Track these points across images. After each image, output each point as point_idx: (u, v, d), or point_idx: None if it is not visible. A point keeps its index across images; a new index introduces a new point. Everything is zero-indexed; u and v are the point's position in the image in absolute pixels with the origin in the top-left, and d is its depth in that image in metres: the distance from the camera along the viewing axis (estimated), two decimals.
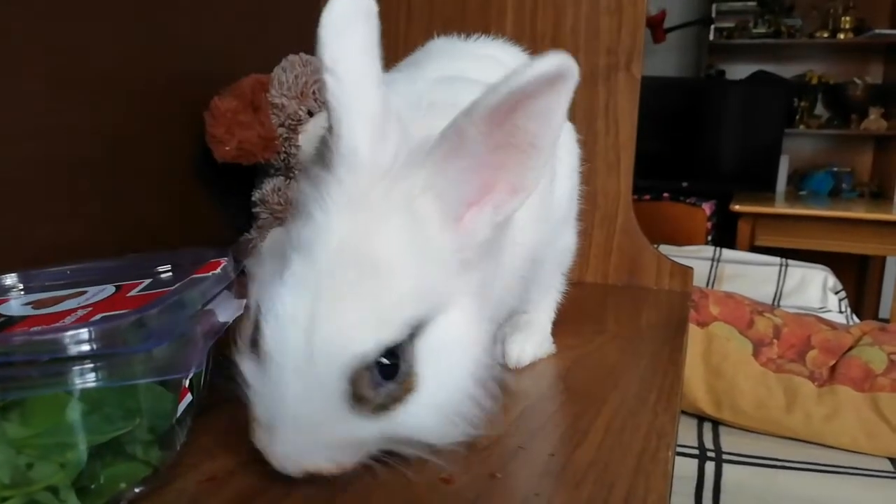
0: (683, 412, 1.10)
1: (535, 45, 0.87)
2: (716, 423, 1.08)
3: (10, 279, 0.39)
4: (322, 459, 0.31)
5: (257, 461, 0.36)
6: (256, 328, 0.31)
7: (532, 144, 0.31)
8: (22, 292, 0.39)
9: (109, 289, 0.37)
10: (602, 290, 0.86)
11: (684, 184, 3.42)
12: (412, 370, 0.31)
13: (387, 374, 0.31)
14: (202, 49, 0.79)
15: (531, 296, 0.54)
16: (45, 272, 0.41)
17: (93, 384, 0.25)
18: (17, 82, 0.56)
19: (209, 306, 0.33)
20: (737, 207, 2.89)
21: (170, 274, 0.39)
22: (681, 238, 2.74)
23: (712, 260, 2.03)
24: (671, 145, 3.57)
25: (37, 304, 0.36)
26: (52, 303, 0.36)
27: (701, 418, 1.09)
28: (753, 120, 3.33)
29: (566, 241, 0.59)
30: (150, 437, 0.30)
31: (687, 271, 0.86)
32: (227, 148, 0.74)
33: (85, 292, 0.37)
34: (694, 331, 1.06)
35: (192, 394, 0.36)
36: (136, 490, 0.30)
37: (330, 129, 0.32)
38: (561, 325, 0.64)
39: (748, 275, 1.91)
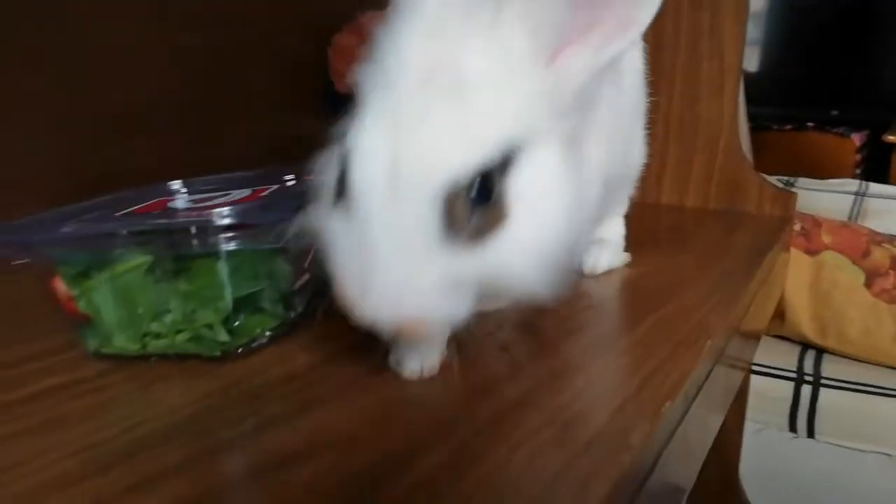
0: (787, 339, 1.10)
1: None
2: (820, 351, 1.07)
3: (177, 184, 0.50)
4: (420, 305, 0.29)
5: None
6: (341, 181, 0.30)
7: None
8: (186, 193, 0.50)
9: (247, 192, 0.47)
10: (700, 213, 0.88)
11: (834, 112, 3.15)
12: (505, 200, 0.29)
13: (482, 196, 0.28)
14: None
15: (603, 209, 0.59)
16: (202, 179, 0.52)
17: (232, 247, 0.35)
18: (134, 24, 0.67)
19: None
20: (891, 138, 2.64)
21: (293, 181, 0.49)
22: (825, 171, 2.55)
23: (856, 194, 1.90)
24: (820, 69, 3.28)
25: (196, 201, 0.47)
26: (206, 200, 0.47)
27: (805, 346, 1.08)
28: None
29: (633, 157, 0.62)
30: (276, 297, 0.40)
31: (790, 196, 0.86)
32: (348, 80, 0.83)
33: (229, 194, 0.47)
34: (802, 259, 1.05)
35: (310, 274, 0.46)
36: (267, 334, 0.40)
37: None
38: (646, 244, 0.68)
39: None
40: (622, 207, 0.64)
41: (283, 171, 0.52)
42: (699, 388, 0.43)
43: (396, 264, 0.28)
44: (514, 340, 0.44)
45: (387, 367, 0.38)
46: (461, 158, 0.28)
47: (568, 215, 0.31)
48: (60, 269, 0.37)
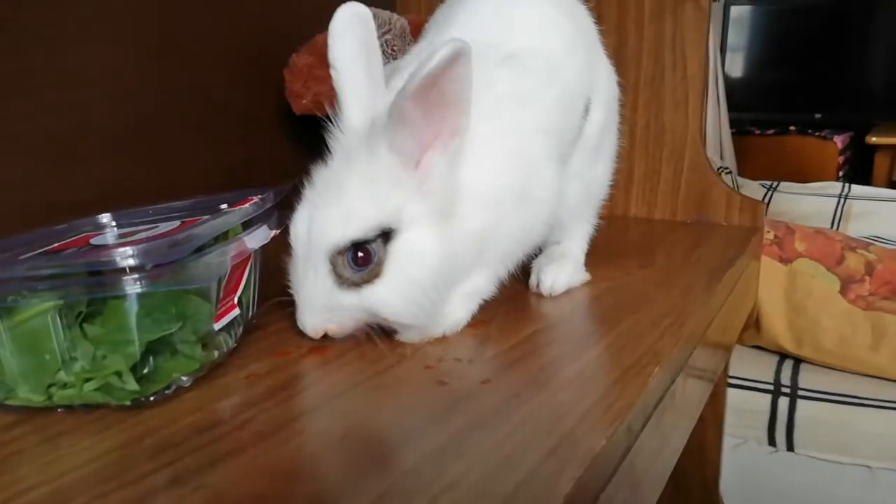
0: (763, 349, 1.08)
1: None
2: (797, 361, 1.05)
3: (106, 218, 0.48)
4: (326, 321, 0.44)
5: (289, 365, 0.43)
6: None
7: (456, 99, 0.42)
8: (114, 227, 0.48)
9: (175, 223, 0.45)
10: (668, 225, 0.87)
11: (817, 115, 3.16)
12: (382, 264, 0.43)
13: (359, 263, 0.43)
14: (280, 11, 0.86)
15: (560, 222, 0.58)
16: (132, 211, 0.49)
17: (138, 290, 0.33)
18: (117, 48, 0.66)
19: (242, 233, 0.41)
20: (874, 140, 2.65)
21: (225, 210, 0.47)
22: (808, 175, 2.55)
23: (839, 197, 1.89)
24: (804, 74, 3.29)
25: (122, 236, 0.45)
26: (132, 234, 0.44)
27: (783, 356, 1.07)
28: None
29: (596, 174, 0.61)
30: (194, 339, 0.38)
31: (758, 206, 0.84)
32: (304, 101, 0.81)
33: (157, 226, 0.45)
34: (776, 267, 1.03)
35: (240, 309, 0.44)
36: (185, 379, 0.38)
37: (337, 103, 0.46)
38: (607, 259, 0.67)
39: (880, 212, 1.77)
40: (582, 226, 0.62)
41: (219, 200, 0.50)
42: (647, 418, 0.41)
43: (310, 295, 0.44)
44: (453, 372, 0.42)
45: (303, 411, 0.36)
46: (337, 233, 0.43)
47: (433, 273, 0.44)
48: None
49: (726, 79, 3.12)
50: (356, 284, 0.43)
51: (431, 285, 0.44)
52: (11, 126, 0.59)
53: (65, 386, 0.36)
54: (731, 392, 0.93)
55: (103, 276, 0.33)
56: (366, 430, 0.35)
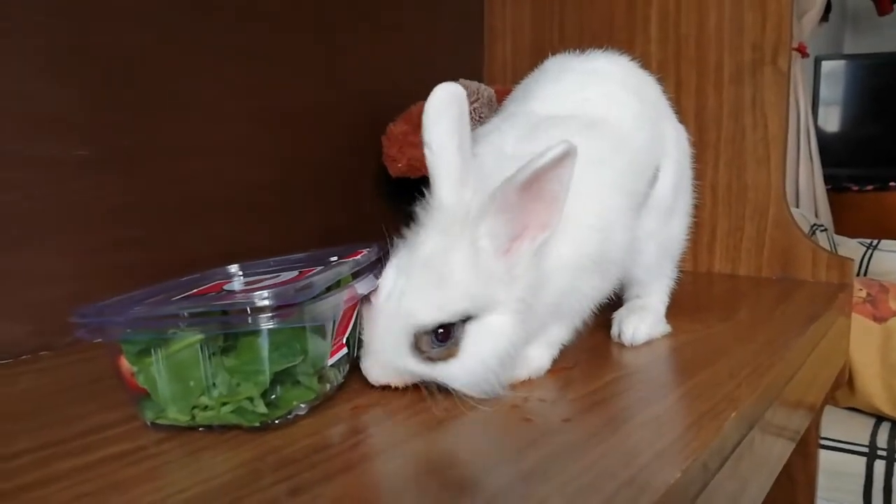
0: (858, 410, 1.04)
1: (679, 47, 0.92)
2: (894, 423, 1.00)
3: (234, 268, 0.56)
4: (391, 379, 0.48)
5: (392, 399, 0.48)
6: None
7: (553, 198, 0.46)
8: (241, 276, 0.55)
9: (294, 273, 0.51)
10: (753, 282, 0.88)
11: None
12: (459, 343, 0.47)
13: (440, 340, 0.46)
14: (378, 85, 0.95)
15: (639, 279, 0.61)
16: (257, 262, 0.57)
17: (270, 327, 0.39)
18: (240, 124, 0.75)
19: (353, 282, 0.47)
20: None
21: (336, 262, 0.53)
22: None
23: None
24: None
25: (248, 283, 0.52)
26: (258, 282, 0.51)
27: (879, 418, 1.02)
28: None
29: (671, 232, 0.64)
30: (312, 371, 0.44)
31: (846, 262, 0.84)
32: (399, 165, 0.89)
33: (279, 275, 0.52)
34: (870, 327, 1.00)
35: (348, 349, 0.49)
36: (303, 407, 0.44)
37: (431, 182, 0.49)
38: (689, 313, 0.69)
39: None
40: (663, 281, 0.65)
41: (330, 253, 0.57)
42: (724, 460, 0.43)
43: (383, 356, 0.48)
44: (537, 411, 0.46)
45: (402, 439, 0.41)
46: (432, 316, 0.46)
47: (505, 354, 0.47)
48: (125, 347, 0.42)
49: (821, 134, 3.05)
50: (432, 360, 0.46)
51: (500, 363, 0.47)
52: (153, 190, 0.69)
53: (206, 408, 0.42)
54: (824, 454, 0.91)
55: (243, 315, 0.40)
56: (459, 456, 0.40)
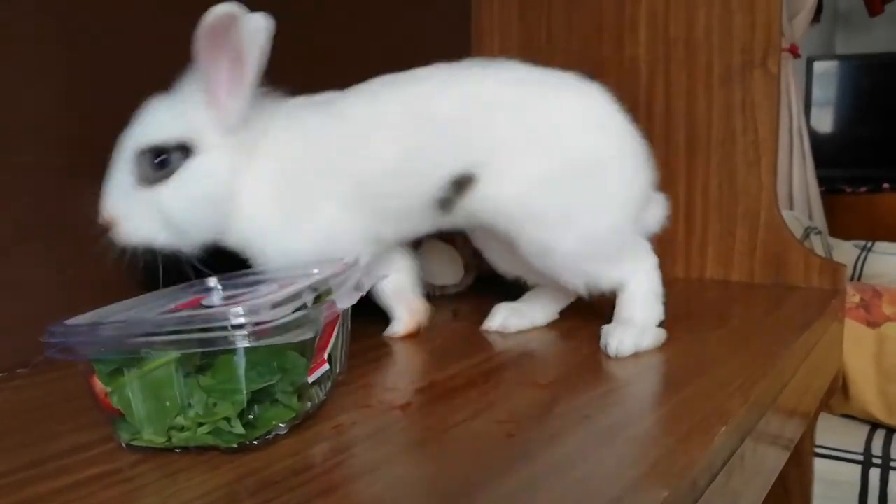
0: (853, 418, 1.03)
1: (668, 49, 0.91)
2: (890, 430, 1.00)
3: (213, 281, 0.55)
4: (119, 208, 0.55)
5: (372, 417, 0.47)
6: None
7: (242, 58, 0.52)
8: (220, 289, 0.54)
9: (274, 286, 0.50)
10: (745, 288, 0.87)
11: None
12: (174, 172, 0.54)
13: (158, 165, 0.53)
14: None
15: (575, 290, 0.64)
16: (235, 275, 0.56)
17: (246, 345, 0.38)
18: None
19: (333, 296, 0.46)
20: None
21: (317, 274, 0.52)
22: None
23: None
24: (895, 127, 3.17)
25: (226, 297, 0.51)
26: (236, 296, 0.50)
27: (874, 425, 1.01)
28: None
29: (568, 245, 0.60)
30: (291, 389, 0.42)
31: (838, 268, 0.83)
32: None
33: (258, 289, 0.51)
34: (863, 332, 0.99)
35: (329, 365, 0.48)
36: (282, 427, 0.42)
37: None
38: (681, 321, 0.68)
39: None
40: (632, 291, 0.62)
41: (311, 266, 0.55)
42: (714, 475, 0.42)
43: (110, 190, 0.55)
44: (522, 427, 0.45)
45: (385, 458, 0.40)
46: (145, 136, 0.54)
47: (211, 197, 0.55)
48: (97, 367, 0.41)
49: (814, 135, 3.05)
50: (148, 181, 0.53)
51: (210, 202, 0.55)
52: None
53: (182, 429, 0.41)
54: (818, 462, 0.90)
55: (217, 332, 0.39)
56: (443, 475, 0.38)
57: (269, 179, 0.57)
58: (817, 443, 0.87)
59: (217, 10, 0.49)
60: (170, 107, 0.55)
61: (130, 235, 0.55)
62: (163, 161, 0.53)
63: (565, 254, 0.60)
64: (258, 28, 0.52)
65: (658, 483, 0.36)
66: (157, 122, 0.54)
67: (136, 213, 0.54)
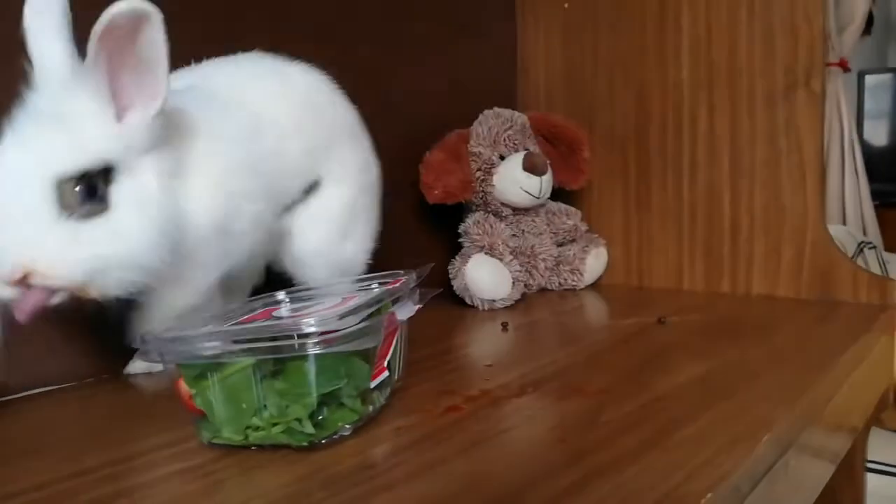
0: None
1: (711, 73, 0.93)
2: None
3: (281, 294, 0.59)
4: (37, 256, 0.44)
5: (429, 421, 0.50)
6: None
7: (152, 65, 0.46)
8: (288, 302, 0.58)
9: (338, 299, 0.54)
10: (791, 304, 0.87)
11: None
12: (108, 199, 0.46)
13: (89, 194, 0.45)
14: (417, 115, 0.98)
15: None
16: (301, 289, 0.60)
17: (317, 352, 0.42)
18: None
19: (392, 308, 0.49)
20: None
21: (377, 288, 0.56)
22: None
23: None
24: None
25: (295, 310, 0.55)
26: (303, 309, 0.54)
27: None
28: None
29: (345, 253, 0.71)
30: (355, 393, 0.46)
31: (888, 282, 0.83)
32: (436, 192, 0.92)
33: (323, 302, 0.55)
34: None
35: (389, 372, 0.52)
36: (347, 428, 0.46)
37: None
38: (727, 337, 0.70)
39: None
40: None
41: (371, 280, 0.59)
42: (756, 482, 0.43)
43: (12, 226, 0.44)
44: (572, 432, 0.47)
45: (442, 458, 0.43)
46: (72, 160, 0.45)
47: (160, 221, 0.49)
48: (183, 371, 0.45)
49: (869, 148, 2.98)
50: (83, 217, 0.45)
51: (162, 226, 0.49)
52: None
53: (257, 429, 0.45)
54: (871, 478, 0.89)
55: (291, 341, 0.43)
56: (498, 474, 0.41)
57: (213, 205, 0.55)
58: (869, 457, 0.86)
59: (121, 7, 0.42)
60: (59, 125, 0.45)
61: (63, 278, 0.45)
62: (90, 190, 0.45)
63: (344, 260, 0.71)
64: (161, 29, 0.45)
65: (701, 486, 0.38)
66: (58, 144, 0.45)
67: (69, 251, 0.45)
